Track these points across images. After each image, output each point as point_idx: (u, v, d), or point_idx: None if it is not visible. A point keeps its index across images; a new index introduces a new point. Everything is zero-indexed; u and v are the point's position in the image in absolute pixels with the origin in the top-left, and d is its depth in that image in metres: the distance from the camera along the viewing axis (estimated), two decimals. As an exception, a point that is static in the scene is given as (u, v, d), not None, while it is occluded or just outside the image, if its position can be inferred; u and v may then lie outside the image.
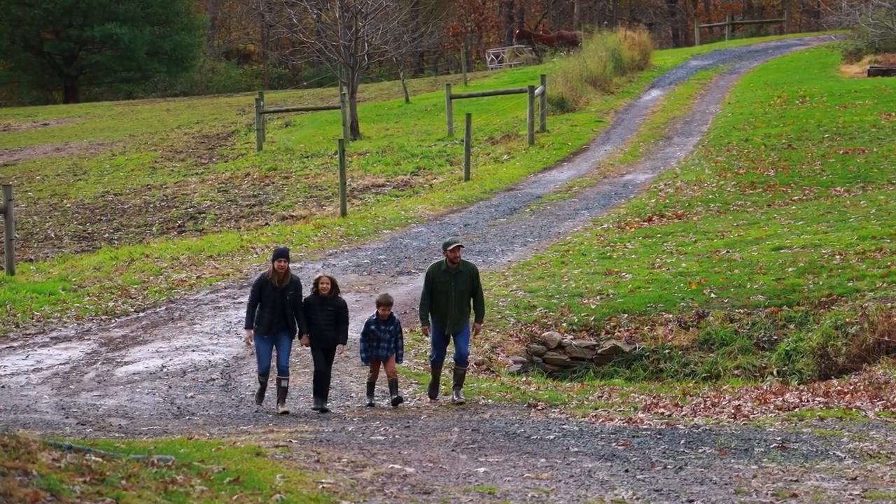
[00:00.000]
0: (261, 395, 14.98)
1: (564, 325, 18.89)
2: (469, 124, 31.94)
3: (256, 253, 24.02)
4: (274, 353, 14.87)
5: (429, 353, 15.97)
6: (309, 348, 15.12)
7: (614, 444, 12.58)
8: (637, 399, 15.33)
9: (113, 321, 19.53)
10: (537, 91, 37.20)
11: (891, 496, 10.49)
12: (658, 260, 21.57)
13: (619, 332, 18.65)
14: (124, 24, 64.81)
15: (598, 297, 19.67)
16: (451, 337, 15.31)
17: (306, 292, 15.04)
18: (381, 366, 15.13)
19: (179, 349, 17.53)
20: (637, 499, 10.52)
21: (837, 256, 20.30)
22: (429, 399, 15.46)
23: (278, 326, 14.78)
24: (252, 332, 14.88)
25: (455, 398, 15.19)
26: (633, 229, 24.48)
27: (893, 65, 41.09)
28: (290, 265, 14.97)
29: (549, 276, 21.11)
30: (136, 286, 21.57)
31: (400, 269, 22.24)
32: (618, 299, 19.45)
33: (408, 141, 38.64)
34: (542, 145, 35.61)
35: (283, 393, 14.70)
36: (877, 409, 13.99)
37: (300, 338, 14.88)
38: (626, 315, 18.98)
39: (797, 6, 78.76)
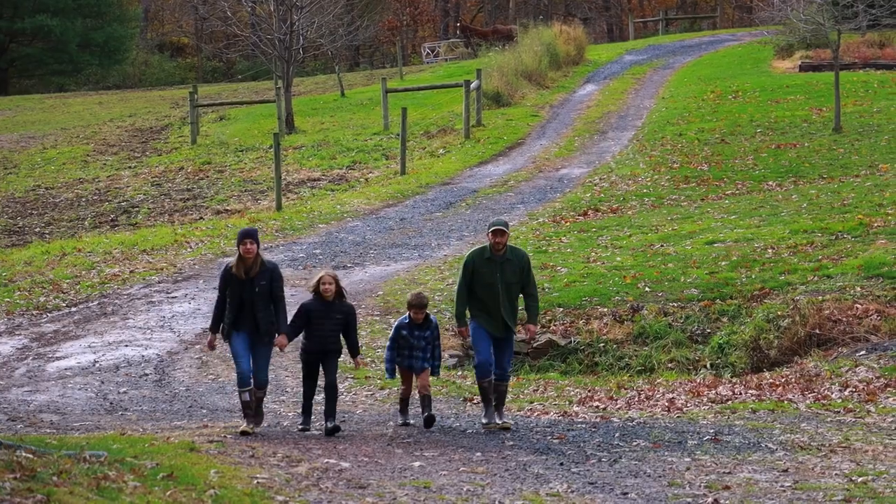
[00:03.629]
0: (247, 411, 12.58)
1: (500, 318, 18.89)
2: (405, 118, 31.90)
3: (190, 247, 23.84)
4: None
5: (471, 360, 13.36)
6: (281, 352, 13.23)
7: (549, 437, 12.63)
8: (572, 393, 15.40)
9: (44, 316, 19.31)
10: (473, 85, 37.22)
11: (821, 487, 10.61)
12: (593, 254, 21.66)
13: (555, 325, 18.70)
14: (55, 16, 63.96)
15: (533, 291, 19.69)
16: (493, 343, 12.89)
17: (305, 291, 13.22)
18: (413, 377, 13.03)
19: (112, 344, 17.37)
20: (572, 492, 10.56)
21: (770, 250, 20.48)
22: (484, 426, 12.87)
23: (248, 328, 12.45)
24: (215, 335, 12.72)
25: (497, 421, 12.87)
26: (568, 223, 24.57)
27: (824, 60, 41.48)
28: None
29: (484, 270, 21.12)
30: (68, 281, 21.34)
31: (335, 263, 22.17)
32: (553, 293, 19.51)
33: (343, 135, 38.53)
34: (478, 139, 35.64)
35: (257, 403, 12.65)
36: (808, 402, 14.15)
37: (277, 336, 12.54)
38: (561, 309, 19.04)
39: (730, 2, 79.42)
